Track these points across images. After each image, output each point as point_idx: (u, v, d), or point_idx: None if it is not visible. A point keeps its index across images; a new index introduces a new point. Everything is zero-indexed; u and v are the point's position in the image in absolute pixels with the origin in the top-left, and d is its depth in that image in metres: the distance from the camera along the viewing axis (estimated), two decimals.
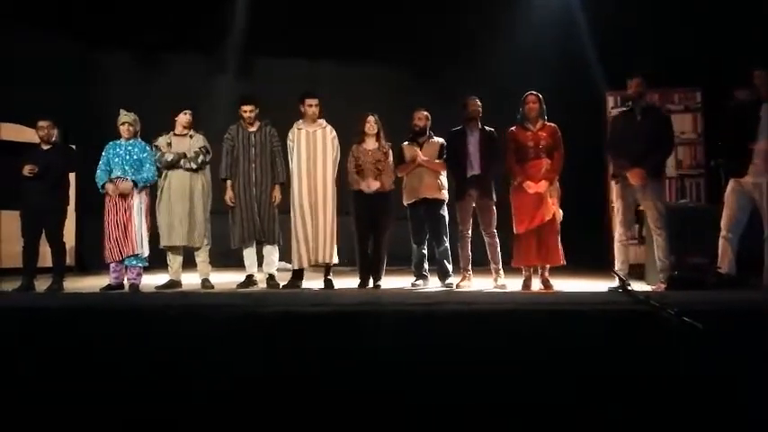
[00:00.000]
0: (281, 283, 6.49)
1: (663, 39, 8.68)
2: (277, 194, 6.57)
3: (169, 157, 6.48)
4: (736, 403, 2.97)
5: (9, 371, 3.35)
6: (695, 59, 8.24)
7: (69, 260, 7.31)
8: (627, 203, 5.92)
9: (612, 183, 5.97)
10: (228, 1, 9.90)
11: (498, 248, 6.33)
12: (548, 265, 6.04)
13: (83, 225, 8.52)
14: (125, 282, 6.27)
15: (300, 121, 6.49)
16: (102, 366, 3.38)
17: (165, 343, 3.67)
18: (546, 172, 5.92)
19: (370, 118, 6.49)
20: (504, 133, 6.19)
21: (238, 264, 6.83)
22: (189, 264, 6.81)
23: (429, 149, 6.52)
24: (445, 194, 6.53)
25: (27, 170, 6.20)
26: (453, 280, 6.46)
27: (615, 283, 5.64)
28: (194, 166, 6.53)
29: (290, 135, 6.48)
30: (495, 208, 6.34)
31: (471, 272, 6.43)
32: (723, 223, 5.72)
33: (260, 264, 6.76)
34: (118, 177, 6.21)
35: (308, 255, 6.37)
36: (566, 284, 6.33)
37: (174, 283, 6.54)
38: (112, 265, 6.23)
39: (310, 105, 6.41)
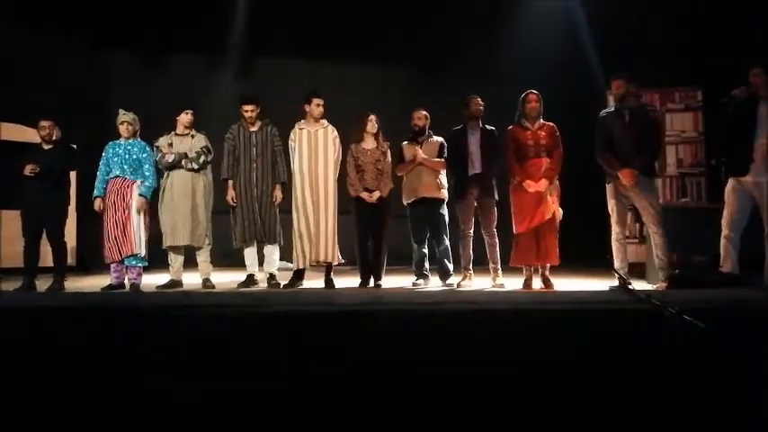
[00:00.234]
0: (282, 283, 6.50)
1: (663, 37, 8.69)
2: (278, 194, 6.57)
3: (170, 158, 6.48)
4: (738, 402, 2.97)
5: (10, 371, 3.36)
6: (696, 58, 8.24)
7: (70, 260, 7.33)
8: (621, 203, 5.92)
9: (607, 184, 5.98)
10: (229, 1, 9.92)
11: (497, 248, 6.33)
12: (548, 265, 6.05)
13: (84, 225, 8.51)
14: (126, 281, 6.28)
15: (302, 120, 6.49)
16: (104, 366, 3.39)
17: (166, 343, 3.67)
18: (546, 171, 5.93)
19: (372, 117, 6.50)
20: (503, 132, 6.20)
21: (239, 263, 6.83)
22: (189, 263, 6.82)
23: (428, 149, 6.53)
24: (445, 193, 6.53)
25: (28, 170, 6.20)
26: (454, 280, 6.46)
27: (616, 282, 5.64)
28: (196, 167, 6.53)
29: (291, 135, 6.49)
30: (495, 207, 6.34)
31: (472, 271, 6.42)
32: (724, 223, 5.72)
33: (261, 263, 6.76)
34: (117, 177, 6.22)
35: (309, 254, 6.38)
36: (566, 284, 6.33)
37: (175, 283, 6.54)
38: (113, 264, 6.23)
39: (318, 105, 6.42)
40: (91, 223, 7.02)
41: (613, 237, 5.96)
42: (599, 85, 8.69)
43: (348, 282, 6.70)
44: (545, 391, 3.09)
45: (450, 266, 6.55)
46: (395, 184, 6.57)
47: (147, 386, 3.20)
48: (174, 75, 10.26)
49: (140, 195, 6.19)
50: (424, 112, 6.63)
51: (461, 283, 6.34)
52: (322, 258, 6.39)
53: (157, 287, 6.42)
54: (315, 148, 6.42)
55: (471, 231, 6.39)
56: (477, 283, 6.43)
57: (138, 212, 6.19)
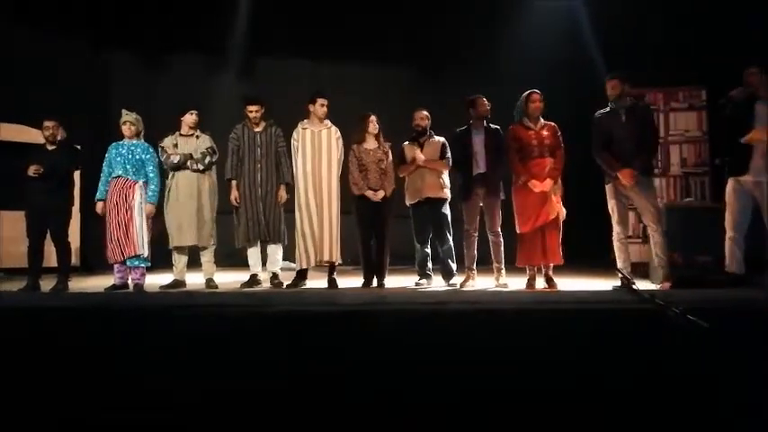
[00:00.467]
0: (285, 283, 6.50)
1: (665, 37, 8.69)
2: (283, 194, 6.56)
3: (176, 159, 6.48)
4: (742, 402, 2.98)
5: (14, 371, 3.35)
6: (699, 57, 8.25)
7: (74, 260, 7.35)
8: (621, 202, 5.93)
9: (606, 184, 5.99)
10: (230, 1, 9.91)
11: (502, 248, 6.33)
12: (551, 264, 6.05)
13: (87, 225, 8.52)
14: (129, 282, 6.28)
15: (305, 120, 6.50)
16: (105, 366, 3.38)
17: (169, 343, 3.67)
18: (550, 171, 5.94)
19: (373, 117, 6.51)
20: (506, 132, 6.20)
21: (242, 263, 6.84)
22: (193, 263, 6.82)
23: (430, 149, 6.54)
24: (447, 193, 6.54)
25: (32, 170, 6.20)
26: (457, 279, 6.46)
27: (619, 281, 5.64)
28: (202, 168, 6.54)
29: (294, 135, 6.49)
30: (500, 207, 6.34)
31: (475, 271, 6.42)
32: (727, 224, 5.72)
33: (264, 263, 6.76)
34: (119, 176, 6.21)
35: (313, 254, 6.38)
36: (570, 283, 6.34)
37: (179, 283, 6.55)
38: (117, 265, 6.24)
39: (322, 105, 6.44)
40: (94, 223, 7.02)
41: (615, 237, 5.97)
42: (600, 86, 8.69)
43: (351, 282, 6.71)
44: (548, 392, 3.09)
45: (454, 266, 6.56)
46: (397, 184, 6.58)
47: (148, 386, 3.20)
48: (174, 75, 10.26)
49: (149, 203, 6.21)
50: (426, 113, 6.63)
51: (465, 283, 6.34)
52: (326, 258, 6.40)
53: (161, 287, 6.43)
54: (318, 148, 6.43)
55: (476, 232, 6.39)
56: (480, 282, 6.44)
57: (148, 219, 6.20)
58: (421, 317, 4.18)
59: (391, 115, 6.91)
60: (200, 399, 3.09)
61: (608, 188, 5.98)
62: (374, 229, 6.46)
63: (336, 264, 6.51)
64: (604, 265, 7.03)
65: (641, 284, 5.61)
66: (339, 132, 6.52)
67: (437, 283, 6.60)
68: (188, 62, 10.39)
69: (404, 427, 2.95)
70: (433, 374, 3.19)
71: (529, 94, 6.07)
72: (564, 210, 6.00)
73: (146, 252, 6.19)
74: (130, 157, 6.25)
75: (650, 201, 5.89)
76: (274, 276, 6.62)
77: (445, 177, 6.55)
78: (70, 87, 9.15)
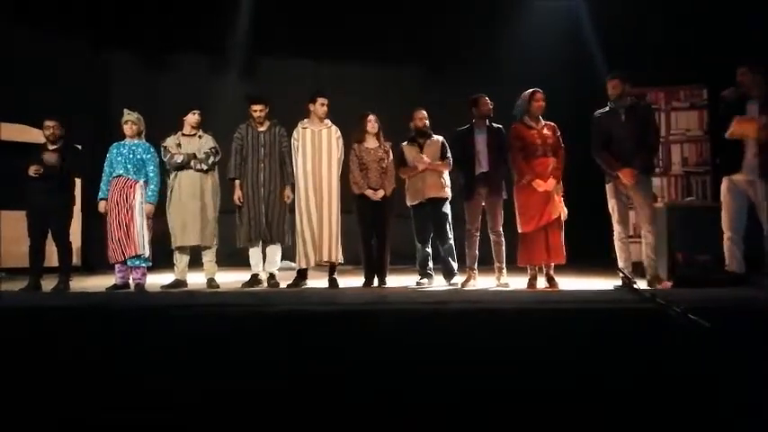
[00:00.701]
0: (281, 282, 6.50)
1: (665, 36, 8.68)
2: (288, 194, 6.53)
3: (179, 158, 6.48)
4: (742, 402, 2.97)
5: (15, 370, 3.35)
6: (700, 57, 8.24)
7: (75, 260, 7.34)
8: (621, 202, 5.94)
9: (606, 183, 5.99)
10: (230, 1, 9.91)
11: (504, 247, 6.32)
12: (552, 264, 6.05)
13: (89, 225, 8.53)
14: (131, 281, 6.28)
15: (306, 120, 6.49)
16: (106, 366, 3.38)
17: (170, 342, 3.67)
18: (553, 170, 5.94)
19: (371, 117, 6.52)
20: (508, 131, 6.20)
21: (244, 263, 6.83)
22: (194, 263, 6.82)
23: (430, 149, 6.54)
24: (448, 192, 6.55)
25: (32, 170, 6.19)
26: (458, 279, 6.46)
27: (620, 281, 5.64)
28: (205, 168, 6.54)
29: (294, 134, 6.49)
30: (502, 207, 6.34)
31: (477, 271, 6.42)
32: (724, 224, 5.72)
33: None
34: (120, 176, 6.21)
35: (313, 254, 6.38)
36: (571, 283, 6.34)
37: (180, 283, 6.55)
38: (118, 264, 6.24)
39: (322, 104, 6.43)
40: (96, 223, 7.03)
41: (616, 236, 5.98)
42: (600, 85, 8.69)
43: (352, 281, 6.71)
44: (548, 392, 3.09)
45: (455, 265, 6.55)
46: (397, 183, 6.58)
47: (148, 386, 3.20)
48: (174, 75, 10.25)
49: (148, 203, 6.20)
50: (424, 113, 6.63)
51: (466, 282, 6.33)
52: (325, 258, 6.40)
53: (162, 287, 6.43)
54: (318, 147, 6.43)
55: (478, 231, 6.38)
56: (482, 282, 6.43)
57: (148, 218, 6.20)
58: (422, 317, 4.18)
59: (391, 115, 6.90)
60: (200, 399, 3.09)
61: (608, 188, 5.98)
62: (375, 229, 6.46)
63: (337, 263, 6.50)
64: (605, 264, 7.04)
65: (642, 284, 5.61)
66: (339, 132, 6.52)
67: (438, 283, 6.59)
68: (189, 62, 10.39)
69: (404, 427, 2.95)
70: (434, 374, 3.19)
71: (532, 92, 6.06)
72: (565, 209, 6.01)
73: (146, 252, 6.19)
74: (131, 156, 6.25)
75: (647, 201, 5.92)
76: (271, 277, 6.61)
77: (446, 176, 6.55)
78: (70, 87, 9.14)
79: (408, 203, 6.60)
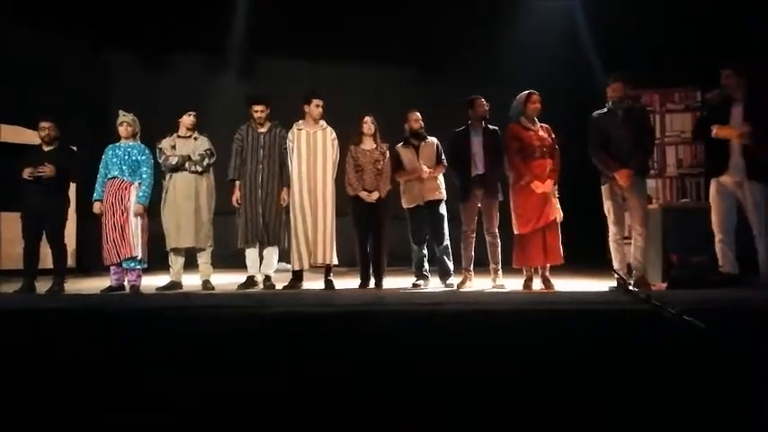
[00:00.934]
0: (276, 285, 6.50)
1: (664, 37, 8.68)
2: (285, 197, 6.52)
3: (173, 160, 6.47)
4: (738, 402, 2.97)
5: (10, 372, 3.35)
6: (696, 58, 8.24)
7: (70, 262, 7.32)
8: (617, 203, 5.93)
9: (602, 185, 5.99)
10: (230, 1, 9.92)
11: (499, 249, 6.32)
12: (548, 265, 6.05)
13: (84, 226, 8.52)
14: (126, 283, 6.27)
15: (301, 121, 6.49)
16: (104, 367, 3.38)
17: (166, 344, 3.67)
18: (550, 171, 5.93)
19: (367, 119, 6.52)
20: (504, 132, 6.18)
21: (240, 265, 6.83)
22: (190, 265, 6.81)
23: (425, 151, 6.54)
24: (444, 193, 6.55)
25: (26, 174, 6.18)
26: (454, 280, 6.46)
27: (615, 282, 5.64)
28: (200, 170, 6.52)
29: (289, 135, 6.49)
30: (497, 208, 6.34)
31: (472, 272, 6.42)
32: (715, 227, 5.72)
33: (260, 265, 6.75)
34: (114, 177, 6.21)
35: (307, 255, 6.38)
36: (566, 284, 6.33)
37: (175, 285, 6.53)
38: (113, 266, 6.23)
39: (317, 105, 6.43)
40: (91, 225, 7.02)
41: (611, 237, 5.97)
42: (599, 86, 8.69)
43: (348, 283, 6.70)
44: (545, 392, 3.08)
45: (451, 266, 6.55)
46: (392, 185, 6.58)
47: (147, 386, 3.20)
48: (174, 75, 10.27)
49: (138, 203, 6.18)
50: (419, 114, 6.63)
51: (462, 284, 6.33)
52: (320, 260, 6.40)
53: (157, 289, 6.42)
54: (313, 149, 6.42)
55: (474, 233, 6.37)
56: (478, 283, 6.41)
57: (141, 219, 6.20)
58: (419, 318, 4.18)
59: (391, 116, 6.89)
60: (200, 399, 3.08)
61: (604, 189, 5.97)
62: (371, 230, 6.46)
63: (332, 265, 6.50)
64: (600, 266, 7.03)
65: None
66: (334, 133, 6.52)
67: (434, 284, 6.59)
68: (188, 62, 10.41)
69: (404, 426, 2.95)
70: (433, 374, 3.19)
71: (528, 94, 6.05)
72: (561, 212, 6.01)
73: (141, 254, 6.18)
74: (127, 158, 6.25)
75: (641, 203, 5.91)
76: (267, 278, 6.60)
77: (440, 177, 6.58)
78: (70, 88, 9.17)
79: (405, 206, 6.59)
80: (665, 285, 5.77)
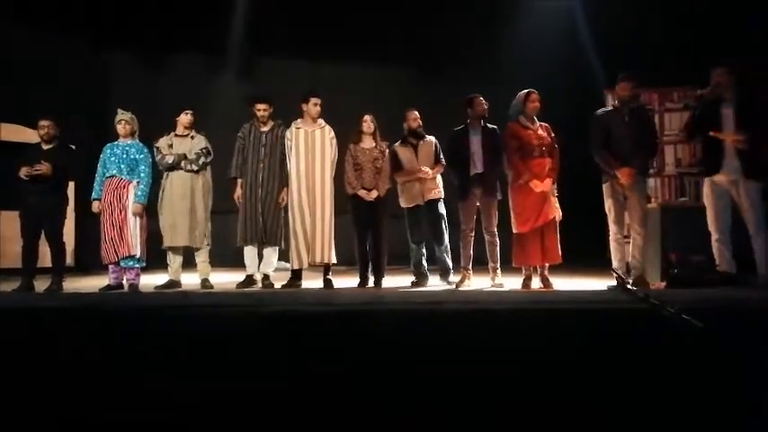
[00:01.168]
0: (275, 284, 6.50)
1: (663, 37, 8.67)
2: (285, 197, 6.51)
3: (170, 159, 6.47)
4: (737, 402, 2.97)
5: (9, 371, 3.35)
6: (696, 58, 8.24)
7: (69, 260, 7.31)
8: (618, 202, 5.93)
9: (603, 183, 6.00)
10: (229, 1, 9.92)
11: (498, 247, 6.32)
12: (547, 264, 6.04)
13: (82, 225, 8.52)
14: (124, 282, 6.27)
15: (299, 120, 6.49)
16: (103, 366, 3.38)
17: (165, 343, 3.67)
18: (549, 170, 5.93)
19: (367, 117, 6.53)
20: (503, 130, 6.18)
21: (238, 264, 6.83)
22: (189, 264, 6.81)
23: (424, 150, 6.55)
24: (442, 192, 6.56)
25: (24, 173, 6.18)
26: (454, 278, 6.46)
27: (614, 281, 5.64)
28: (196, 168, 6.52)
29: (287, 134, 6.48)
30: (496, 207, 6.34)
31: (471, 271, 6.42)
32: (710, 226, 5.71)
33: (260, 264, 6.74)
34: (113, 176, 6.21)
35: (306, 254, 6.37)
36: (565, 283, 6.33)
37: (174, 283, 6.54)
38: (111, 265, 6.23)
39: (315, 104, 6.42)
40: (89, 223, 7.02)
41: (611, 236, 5.97)
42: (599, 85, 8.70)
43: (347, 282, 6.70)
44: (544, 391, 3.08)
45: (451, 264, 6.57)
46: (391, 184, 6.57)
47: (147, 386, 3.19)
48: (174, 75, 10.27)
49: (136, 202, 6.17)
50: (417, 113, 6.63)
51: (461, 283, 6.33)
52: (318, 260, 6.39)
53: (156, 287, 6.42)
54: (312, 148, 6.42)
55: (473, 232, 6.37)
56: (476, 282, 6.41)
57: (139, 218, 6.20)
58: (418, 317, 4.18)
59: (391, 115, 6.89)
60: (200, 399, 3.08)
61: (605, 187, 5.98)
62: (370, 229, 6.46)
63: (331, 264, 6.50)
64: (600, 264, 7.03)
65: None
66: (333, 132, 6.52)
67: (433, 283, 6.59)
68: (188, 62, 10.42)
69: (404, 427, 2.94)
70: (430, 374, 3.19)
71: (528, 93, 6.04)
72: (560, 211, 6.00)
73: (139, 252, 6.17)
74: (125, 156, 6.24)
75: (641, 202, 5.92)
76: (265, 277, 6.60)
77: (438, 176, 6.59)
78: (70, 87, 9.17)
79: (403, 205, 6.59)
80: (663, 284, 5.77)
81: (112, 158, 6.24)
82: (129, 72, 10.28)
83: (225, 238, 6.89)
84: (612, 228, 5.94)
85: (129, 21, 9.74)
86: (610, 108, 6.03)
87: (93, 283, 6.82)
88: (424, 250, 6.62)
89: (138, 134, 6.44)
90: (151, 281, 6.70)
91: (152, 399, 3.09)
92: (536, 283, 6.06)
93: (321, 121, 6.50)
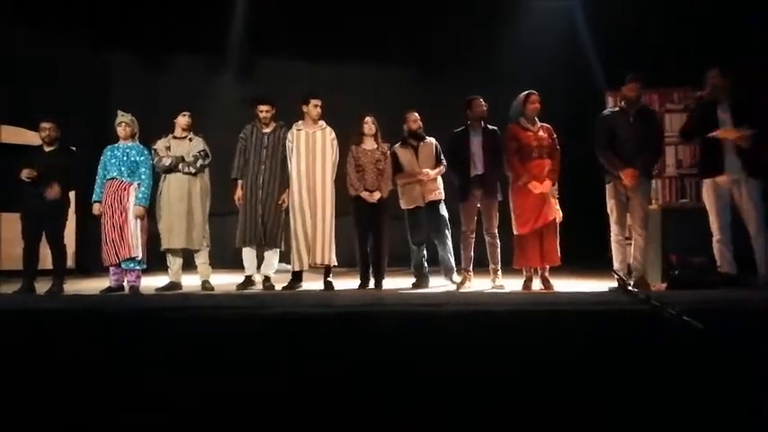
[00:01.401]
0: (276, 285, 6.50)
1: (664, 37, 8.67)
2: (285, 199, 6.51)
3: (167, 161, 6.46)
4: (737, 402, 2.97)
5: (10, 372, 3.35)
6: (696, 58, 8.24)
7: (70, 262, 7.31)
8: (620, 203, 5.93)
9: (606, 184, 5.99)
10: (229, 1, 9.92)
11: (498, 249, 6.32)
12: (547, 266, 6.04)
13: (83, 227, 8.51)
14: (125, 284, 6.27)
15: (300, 122, 6.49)
16: (104, 367, 3.38)
17: (166, 344, 3.67)
18: (549, 172, 5.92)
19: (368, 119, 6.52)
20: (503, 132, 6.18)
21: (238, 265, 6.82)
22: (189, 266, 6.81)
23: (424, 151, 6.54)
24: (442, 193, 6.56)
25: (25, 174, 6.17)
26: (457, 277, 6.45)
27: (615, 282, 5.64)
28: (193, 171, 6.51)
29: (288, 136, 6.48)
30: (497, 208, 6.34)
31: (472, 273, 6.42)
32: (712, 227, 5.71)
33: (260, 266, 6.74)
34: (114, 178, 6.21)
35: (306, 256, 6.37)
36: (566, 285, 6.33)
37: (174, 285, 6.54)
38: (112, 267, 6.23)
39: (316, 106, 6.42)
40: (90, 226, 7.02)
41: (613, 237, 5.97)
42: (599, 86, 8.69)
43: (347, 284, 6.69)
44: (545, 392, 3.08)
45: (454, 263, 6.57)
46: (393, 185, 6.57)
47: (147, 387, 3.20)
48: (174, 75, 10.27)
49: (138, 204, 6.17)
50: (417, 115, 6.63)
51: (461, 284, 6.33)
52: (318, 261, 6.39)
53: (156, 289, 6.42)
54: (312, 149, 6.42)
55: (473, 233, 6.37)
56: (477, 284, 6.42)
57: (140, 220, 6.19)
58: (419, 318, 4.17)
59: (391, 116, 6.88)
60: (200, 399, 3.08)
61: (608, 188, 5.97)
62: (372, 230, 6.46)
63: (331, 266, 6.49)
64: (601, 266, 7.03)
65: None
66: (334, 133, 6.52)
67: (433, 285, 6.59)
68: (188, 62, 10.41)
69: (404, 427, 2.95)
70: (431, 375, 3.19)
71: (528, 94, 6.04)
72: (560, 212, 6.00)
73: (140, 254, 6.18)
74: (125, 158, 6.24)
75: (643, 204, 5.91)
76: (266, 279, 6.59)
77: (438, 177, 6.59)
78: (70, 88, 9.16)
79: (403, 207, 6.59)
80: (664, 286, 5.76)
81: (113, 160, 6.24)
82: (129, 72, 10.27)
83: (224, 239, 6.88)
84: (614, 229, 5.94)
85: (129, 21, 9.73)
86: (616, 109, 6.02)
87: (93, 285, 6.81)
88: (424, 252, 6.62)
89: (139, 135, 6.43)
90: (152, 283, 6.70)
91: (152, 399, 3.09)
92: (537, 285, 6.06)
93: (322, 122, 6.49)
